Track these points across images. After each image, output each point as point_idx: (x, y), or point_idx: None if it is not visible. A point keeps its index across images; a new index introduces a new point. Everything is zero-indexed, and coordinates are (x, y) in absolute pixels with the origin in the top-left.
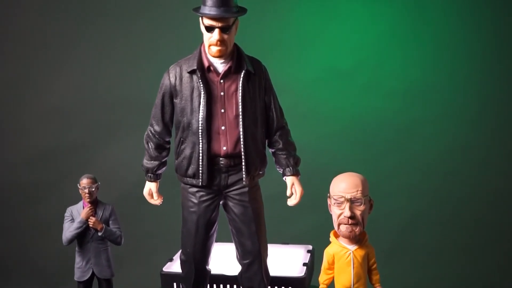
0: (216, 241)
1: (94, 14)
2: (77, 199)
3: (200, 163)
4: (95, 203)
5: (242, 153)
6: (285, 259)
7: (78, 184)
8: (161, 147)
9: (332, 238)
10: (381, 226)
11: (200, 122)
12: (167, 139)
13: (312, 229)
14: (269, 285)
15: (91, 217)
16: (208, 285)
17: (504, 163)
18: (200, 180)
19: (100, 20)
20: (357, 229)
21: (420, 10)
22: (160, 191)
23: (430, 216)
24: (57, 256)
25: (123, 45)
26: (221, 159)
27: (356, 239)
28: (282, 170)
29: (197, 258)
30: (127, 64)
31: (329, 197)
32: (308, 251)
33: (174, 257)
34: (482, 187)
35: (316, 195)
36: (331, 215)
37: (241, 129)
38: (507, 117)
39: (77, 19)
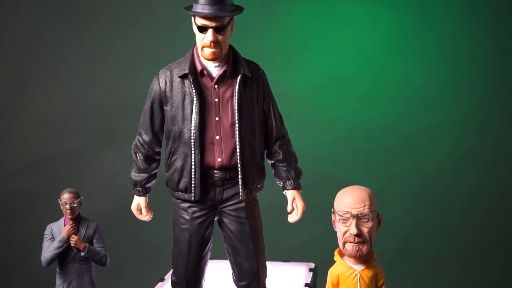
0: (211, 259)
1: (91, 21)
2: None
3: (193, 176)
4: (77, 220)
5: (239, 165)
6: (286, 279)
7: (59, 200)
8: (151, 159)
9: (336, 257)
10: (382, 234)
11: (193, 131)
12: (157, 150)
13: (313, 240)
14: None
15: (73, 236)
16: None
17: (507, 170)
18: (193, 194)
19: (96, 28)
20: (364, 248)
21: (423, 15)
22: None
23: (432, 224)
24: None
25: (120, 52)
26: (215, 171)
27: (363, 259)
28: (282, 183)
29: (189, 280)
30: (124, 71)
31: (333, 212)
32: (310, 270)
33: (165, 277)
34: (485, 194)
35: (317, 205)
36: (332, 223)
37: (237, 139)
38: (510, 125)
39: (74, 27)
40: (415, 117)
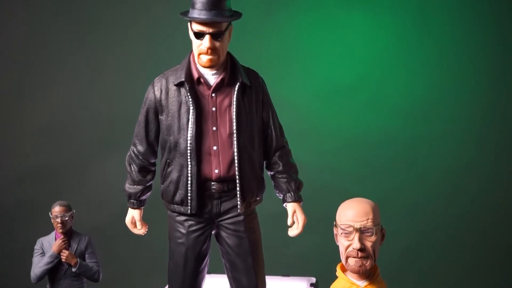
0: (208, 273)
1: (88, 28)
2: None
3: (189, 188)
4: (69, 234)
5: (237, 177)
6: None
7: (49, 213)
8: (145, 170)
9: (339, 272)
10: (383, 246)
11: (189, 142)
12: (152, 161)
13: (314, 252)
14: None
15: (64, 251)
16: None
17: (509, 179)
18: (189, 207)
19: (93, 36)
20: (368, 263)
21: (425, 24)
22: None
23: (434, 234)
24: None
25: (118, 60)
26: (212, 183)
27: (366, 274)
28: (282, 195)
29: None
30: (122, 80)
31: (335, 226)
32: (312, 285)
33: None
34: (488, 204)
35: (318, 215)
36: (334, 236)
37: (235, 150)
38: None
39: (70, 35)
40: (417, 127)
